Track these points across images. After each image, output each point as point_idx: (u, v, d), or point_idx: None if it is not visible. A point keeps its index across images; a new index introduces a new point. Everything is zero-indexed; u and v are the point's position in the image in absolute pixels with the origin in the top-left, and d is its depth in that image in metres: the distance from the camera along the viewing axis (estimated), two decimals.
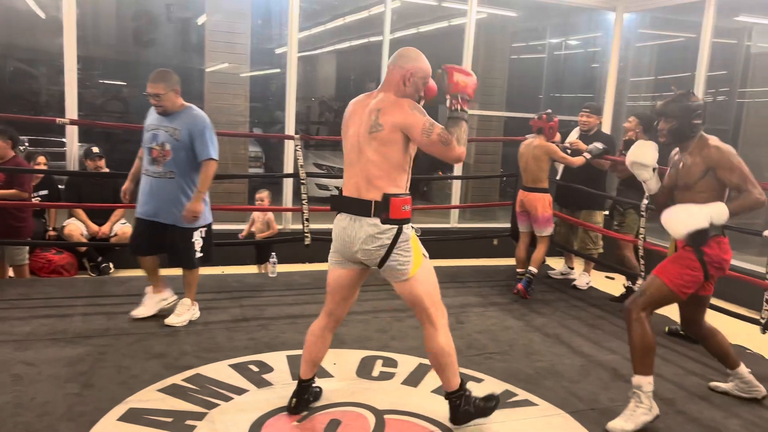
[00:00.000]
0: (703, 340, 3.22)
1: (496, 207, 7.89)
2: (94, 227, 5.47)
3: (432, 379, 3.25)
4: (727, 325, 3.27)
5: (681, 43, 8.52)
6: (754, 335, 4.06)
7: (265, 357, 3.45)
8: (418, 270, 2.57)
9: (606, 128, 6.95)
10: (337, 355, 3.44)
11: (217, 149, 3.75)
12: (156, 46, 8.53)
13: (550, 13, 8.84)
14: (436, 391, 3.14)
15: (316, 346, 2.77)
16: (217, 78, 6.71)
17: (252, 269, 5.68)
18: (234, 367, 3.29)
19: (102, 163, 5.46)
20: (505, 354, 3.73)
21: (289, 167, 6.23)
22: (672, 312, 3.79)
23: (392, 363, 3.47)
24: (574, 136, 5.44)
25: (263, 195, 5.54)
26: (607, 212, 5.50)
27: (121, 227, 5.55)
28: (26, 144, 5.74)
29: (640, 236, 4.69)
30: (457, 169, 7.15)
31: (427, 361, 3.44)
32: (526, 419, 2.91)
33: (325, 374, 3.21)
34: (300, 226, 5.26)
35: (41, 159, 5.33)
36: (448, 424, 2.79)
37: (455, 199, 7.13)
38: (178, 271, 3.94)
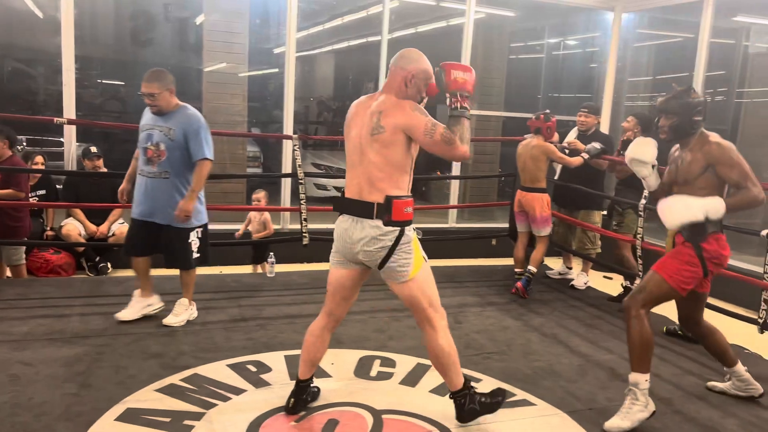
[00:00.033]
0: (701, 338, 3.22)
1: (494, 207, 7.89)
2: (92, 227, 5.47)
3: (430, 379, 3.25)
4: (726, 324, 3.28)
5: (679, 43, 8.52)
6: (753, 335, 4.07)
7: (263, 357, 3.44)
8: (418, 272, 2.57)
9: (604, 128, 6.96)
10: (335, 355, 3.44)
11: (212, 149, 3.74)
12: (154, 46, 8.52)
13: (548, 13, 8.84)
14: (434, 390, 3.14)
15: (315, 346, 2.77)
16: (215, 78, 6.71)
17: (250, 269, 5.68)
18: (232, 367, 3.29)
19: (100, 162, 5.45)
20: (503, 354, 3.74)
21: (287, 167, 6.23)
22: (670, 312, 3.79)
23: (390, 363, 3.47)
24: (572, 136, 5.44)
25: (260, 195, 5.54)
26: (605, 212, 5.51)
27: (119, 227, 5.55)
28: (24, 144, 5.72)
29: (638, 236, 4.69)
30: (456, 169, 7.15)
31: (425, 361, 3.45)
32: (524, 419, 2.91)
33: (323, 374, 3.21)
34: (298, 226, 5.26)
35: (39, 159, 5.33)
36: (446, 423, 2.79)
37: (453, 199, 7.13)
38: (175, 271, 3.94)
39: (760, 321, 3.98)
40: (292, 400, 2.81)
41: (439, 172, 8.49)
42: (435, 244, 5.90)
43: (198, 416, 2.75)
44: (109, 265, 5.53)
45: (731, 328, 3.33)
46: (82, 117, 6.74)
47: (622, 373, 3.44)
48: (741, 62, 7.88)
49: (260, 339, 3.72)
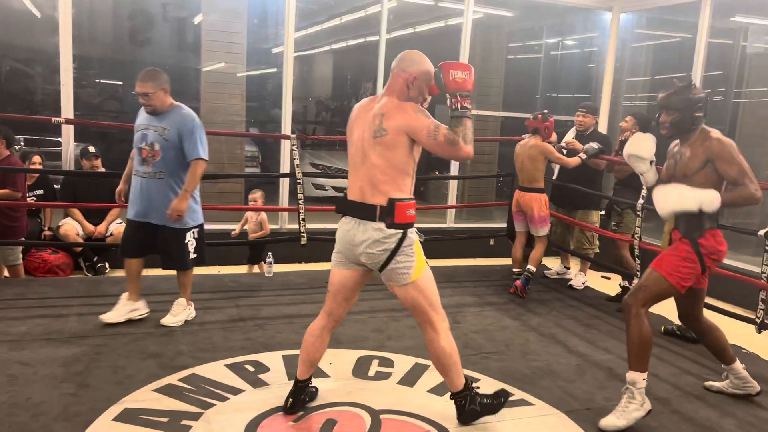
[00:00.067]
0: (701, 334, 3.23)
1: (492, 207, 7.90)
2: (90, 227, 5.46)
3: (428, 379, 3.26)
4: (724, 324, 3.28)
5: (677, 43, 8.53)
6: (750, 335, 4.08)
7: (261, 357, 3.44)
8: (420, 275, 2.58)
9: (602, 128, 6.97)
10: (333, 354, 3.44)
11: (207, 149, 3.71)
12: (152, 46, 8.51)
13: (546, 13, 8.85)
14: (432, 390, 3.14)
15: (314, 346, 2.77)
16: (214, 77, 6.71)
17: (246, 269, 5.67)
18: (230, 367, 3.29)
19: (98, 162, 5.44)
20: (502, 354, 3.74)
21: (285, 167, 6.23)
22: (668, 312, 3.80)
23: (388, 363, 3.47)
24: (570, 136, 5.45)
25: (257, 195, 5.54)
26: (603, 212, 5.51)
27: (116, 227, 5.54)
28: (22, 143, 5.72)
29: (636, 236, 4.69)
30: (454, 169, 7.16)
31: (423, 361, 3.46)
32: (522, 419, 2.92)
33: (321, 374, 3.21)
34: (296, 226, 5.26)
35: (36, 158, 5.31)
36: (445, 423, 2.79)
37: (452, 198, 7.13)
38: (172, 271, 3.93)
39: (758, 321, 3.99)
40: (290, 400, 2.81)
41: (437, 172, 8.50)
42: (433, 244, 5.87)
43: (196, 416, 2.74)
44: (107, 265, 5.52)
45: (729, 328, 3.34)
46: (80, 117, 6.73)
47: (620, 373, 3.44)
48: (739, 62, 7.89)
49: (258, 339, 3.72)
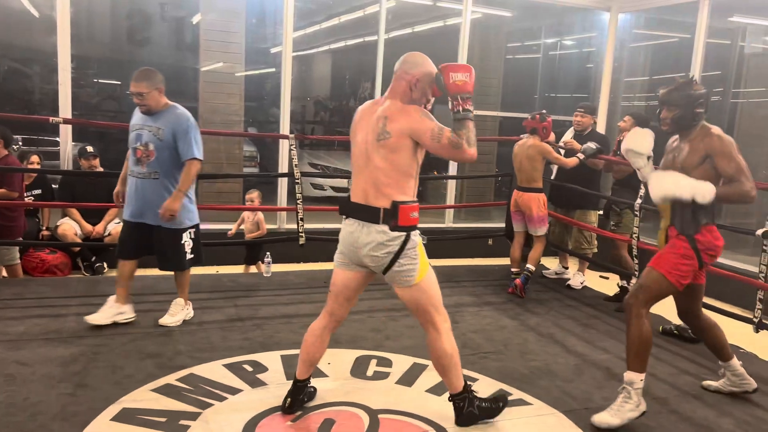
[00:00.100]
0: (700, 331, 3.23)
1: (491, 207, 7.90)
2: (88, 227, 5.45)
3: (426, 379, 3.26)
4: (721, 324, 3.28)
5: (675, 44, 8.54)
6: (748, 334, 4.08)
7: (260, 357, 3.44)
8: (423, 277, 2.59)
9: (601, 128, 6.97)
10: (331, 354, 3.43)
11: (201, 149, 3.70)
12: (150, 45, 8.50)
13: (545, 13, 8.86)
14: (430, 390, 3.14)
15: (315, 346, 2.77)
16: (212, 77, 6.70)
17: (243, 269, 5.67)
18: (228, 366, 3.29)
19: (96, 162, 5.44)
20: (500, 353, 3.74)
21: (283, 167, 6.23)
22: (666, 311, 3.80)
23: (387, 363, 3.47)
24: (568, 135, 5.45)
25: (253, 195, 5.53)
26: (601, 212, 5.52)
27: (115, 227, 5.53)
28: (20, 143, 5.71)
29: (634, 235, 4.70)
30: (452, 169, 7.16)
31: (421, 361, 3.46)
32: (520, 418, 2.92)
33: (320, 374, 3.21)
34: (295, 226, 5.26)
35: (34, 158, 5.31)
36: (443, 423, 2.79)
37: (450, 198, 7.13)
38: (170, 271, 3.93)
39: (755, 320, 3.99)
40: (289, 399, 2.81)
41: (436, 172, 8.50)
42: (432, 243, 5.85)
43: (194, 416, 2.74)
44: (105, 264, 5.52)
45: (727, 328, 3.34)
46: (78, 116, 6.72)
47: (618, 373, 3.44)
48: (737, 62, 7.90)
49: (257, 339, 3.72)
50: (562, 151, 5.29)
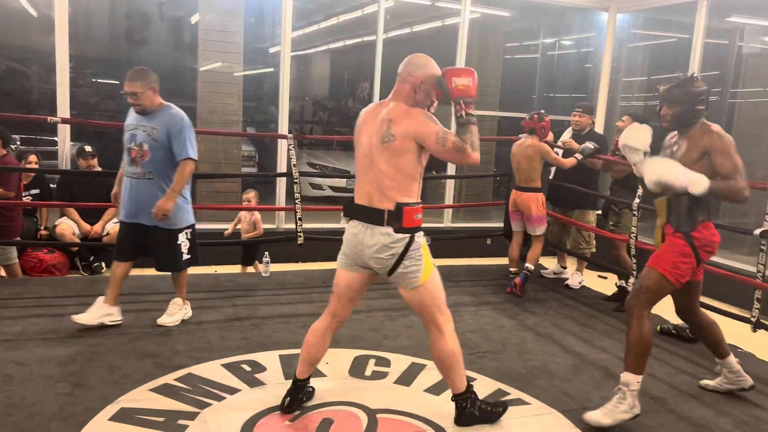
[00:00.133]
0: (698, 328, 3.23)
1: (489, 206, 7.90)
2: (86, 226, 5.45)
3: (424, 378, 3.26)
4: (719, 323, 3.28)
5: (673, 44, 8.55)
6: (745, 334, 4.09)
7: (258, 356, 3.44)
8: (428, 277, 2.59)
9: (599, 128, 6.98)
10: (329, 354, 3.40)
11: (196, 149, 3.67)
12: (149, 45, 8.50)
13: (543, 13, 8.86)
14: (428, 390, 3.15)
15: (316, 346, 2.77)
16: (211, 77, 6.70)
17: (239, 269, 5.66)
18: (226, 366, 3.29)
19: (94, 162, 5.43)
20: (498, 353, 3.74)
21: (282, 166, 6.23)
22: (664, 311, 3.80)
23: (385, 362, 3.47)
24: (567, 135, 5.46)
25: (250, 195, 5.53)
26: (599, 212, 5.52)
27: (113, 226, 5.52)
28: (18, 143, 5.70)
29: (632, 235, 4.70)
30: (451, 169, 7.16)
31: (419, 360, 3.46)
32: (518, 418, 2.92)
33: (318, 373, 3.20)
34: (293, 226, 5.26)
35: (32, 158, 5.30)
36: (441, 422, 2.80)
37: (449, 198, 7.14)
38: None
39: (753, 320, 4.00)
40: (288, 399, 2.81)
41: (434, 172, 8.50)
42: (430, 243, 5.91)
43: (192, 416, 2.74)
44: (103, 264, 5.51)
45: (725, 327, 3.35)
46: (77, 116, 6.72)
47: (616, 373, 3.44)
48: (735, 62, 7.91)
49: (255, 338, 3.72)
50: (560, 151, 5.29)
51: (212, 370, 3.23)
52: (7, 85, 8.81)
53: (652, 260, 2.97)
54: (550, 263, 5.98)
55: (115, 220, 5.58)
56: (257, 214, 5.59)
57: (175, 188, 3.59)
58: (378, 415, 2.85)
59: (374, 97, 6.67)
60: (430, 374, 3.33)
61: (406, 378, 3.28)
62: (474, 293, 4.98)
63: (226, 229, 5.64)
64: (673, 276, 2.89)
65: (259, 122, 9.91)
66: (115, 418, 2.69)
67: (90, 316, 3.65)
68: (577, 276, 5.47)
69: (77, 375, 3.07)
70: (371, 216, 2.54)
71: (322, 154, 9.14)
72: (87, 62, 9.12)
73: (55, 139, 5.78)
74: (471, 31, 6.85)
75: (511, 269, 5.17)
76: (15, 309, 3.99)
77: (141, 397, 2.90)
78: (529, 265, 5.01)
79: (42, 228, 5.44)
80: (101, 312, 3.68)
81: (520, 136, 5.23)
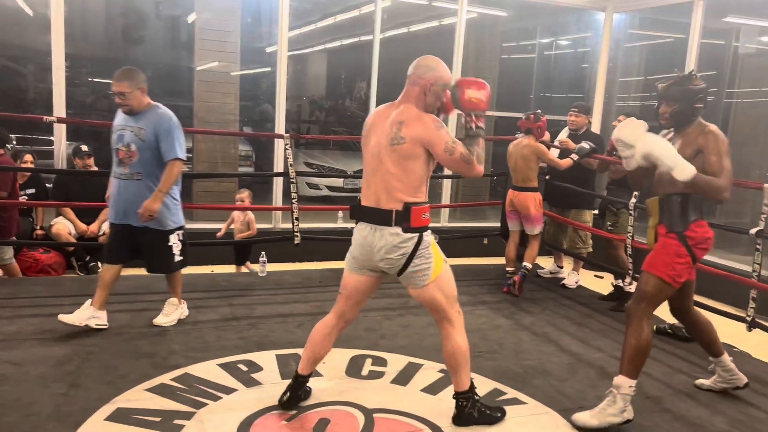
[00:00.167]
0: (692, 326, 3.24)
1: (486, 206, 7.91)
2: (83, 226, 5.43)
3: (421, 378, 3.26)
4: (714, 322, 3.29)
5: (670, 44, 8.57)
6: (741, 333, 4.10)
7: (255, 356, 3.44)
8: (438, 274, 2.61)
9: (596, 128, 6.99)
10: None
11: (184, 149, 3.63)
12: (145, 44, 8.49)
13: (540, 13, 8.87)
14: (425, 389, 3.15)
15: (322, 344, 2.79)
16: (207, 76, 6.68)
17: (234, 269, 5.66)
18: (223, 366, 3.28)
19: (91, 161, 5.42)
20: (494, 353, 3.75)
21: (279, 166, 6.22)
22: (661, 311, 3.81)
23: (382, 362, 3.47)
24: (563, 135, 5.47)
25: (243, 195, 5.53)
26: (596, 211, 5.53)
27: (109, 226, 5.51)
28: (14, 142, 5.68)
29: (628, 234, 4.71)
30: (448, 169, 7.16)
31: (416, 360, 3.47)
32: (514, 417, 2.92)
33: (315, 373, 3.17)
34: (290, 225, 5.25)
35: (28, 157, 5.28)
36: (437, 421, 2.80)
37: (445, 198, 7.14)
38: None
39: (748, 319, 4.01)
40: (288, 394, 2.83)
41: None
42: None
43: (188, 416, 2.74)
44: (99, 264, 5.49)
45: (720, 326, 3.36)
46: (73, 115, 6.70)
47: (611, 372, 3.44)
48: (731, 63, 7.94)
49: (252, 338, 3.71)
50: (557, 151, 5.30)
51: (209, 369, 3.23)
52: (3, 85, 8.78)
53: (648, 264, 2.96)
54: (546, 263, 5.99)
55: None
56: (250, 214, 5.58)
57: (162, 189, 3.54)
58: (375, 415, 2.85)
59: (371, 97, 6.67)
60: (427, 374, 3.33)
61: (403, 378, 3.28)
62: (470, 293, 4.99)
63: (221, 230, 5.63)
64: (671, 278, 2.89)
65: (256, 122, 9.90)
66: (111, 418, 2.68)
67: (76, 317, 3.58)
68: (574, 275, 5.48)
69: (73, 375, 3.07)
70: (379, 217, 2.56)
71: (319, 154, 9.13)
72: (83, 61, 9.10)
73: (51, 138, 5.77)
74: (468, 30, 6.85)
75: (507, 269, 5.17)
76: (10, 309, 3.98)
77: (137, 397, 2.89)
78: (527, 264, 5.02)
79: (38, 228, 5.43)
80: (88, 314, 3.61)
81: (516, 135, 5.24)
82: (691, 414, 3.10)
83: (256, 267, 5.31)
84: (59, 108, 5.43)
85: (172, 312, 3.87)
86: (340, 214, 6.32)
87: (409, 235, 2.53)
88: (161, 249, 3.69)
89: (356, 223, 2.67)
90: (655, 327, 4.25)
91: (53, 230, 5.32)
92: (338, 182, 8.46)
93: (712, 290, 4.90)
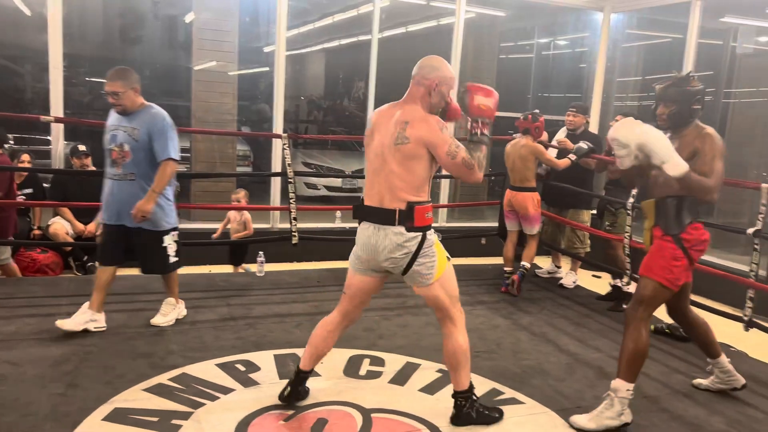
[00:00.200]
0: (689, 327, 3.24)
1: (484, 206, 7.91)
2: (80, 226, 5.42)
3: (419, 378, 3.26)
4: (712, 322, 3.30)
5: (667, 44, 8.59)
6: (739, 333, 4.10)
7: (252, 356, 3.44)
8: (442, 273, 2.62)
9: (593, 128, 7.00)
10: None
11: (178, 149, 3.60)
12: (143, 44, 8.48)
13: (538, 13, 8.88)
14: (423, 389, 3.15)
15: (326, 341, 2.81)
16: (205, 76, 6.68)
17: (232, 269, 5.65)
18: (221, 366, 3.28)
19: (88, 161, 5.41)
20: (492, 353, 3.75)
21: (277, 166, 6.22)
22: (659, 311, 3.81)
23: (379, 362, 3.47)
24: (561, 135, 5.47)
25: (240, 195, 5.52)
26: (594, 211, 5.53)
27: None
28: (11, 142, 5.68)
29: (626, 234, 4.72)
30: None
31: (414, 360, 3.47)
32: (512, 417, 2.92)
33: (313, 373, 3.20)
34: (288, 225, 5.25)
35: (25, 157, 5.27)
36: (435, 421, 2.80)
37: (444, 198, 7.15)
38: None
39: (746, 319, 4.02)
40: (289, 388, 2.84)
41: None
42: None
43: (186, 416, 2.74)
44: (96, 264, 5.47)
45: (717, 326, 3.37)
46: (70, 115, 6.69)
47: (609, 372, 3.46)
48: (728, 63, 7.95)
49: (249, 338, 3.71)
50: (555, 151, 5.30)
51: (206, 369, 3.22)
52: (1, 84, 8.77)
53: (645, 268, 2.95)
54: (544, 263, 5.99)
55: None
56: (247, 214, 5.58)
57: (156, 189, 3.51)
58: (372, 415, 2.85)
59: (369, 97, 6.67)
60: (425, 374, 3.33)
61: (401, 377, 3.28)
62: (468, 293, 4.99)
63: (216, 231, 5.61)
64: (669, 282, 2.88)
65: (254, 122, 9.90)
66: (108, 418, 2.68)
67: (74, 322, 3.57)
68: (572, 275, 5.49)
69: (70, 375, 3.06)
70: (383, 217, 2.56)
71: (317, 154, 9.13)
72: (81, 61, 9.09)
73: (49, 138, 5.76)
74: (466, 30, 6.86)
75: (505, 269, 5.17)
76: (8, 309, 3.97)
77: (135, 397, 2.89)
78: (526, 264, 5.03)
79: (35, 228, 5.41)
80: (85, 318, 3.60)
81: (514, 135, 5.24)
82: (689, 414, 3.10)
83: (251, 267, 5.30)
84: (57, 108, 5.42)
85: (170, 312, 3.86)
86: (339, 214, 6.33)
87: (412, 234, 2.54)
88: (156, 250, 3.67)
89: (359, 223, 2.67)
90: (653, 327, 4.26)
91: (50, 230, 5.32)
92: (336, 182, 8.47)
93: (709, 290, 4.90)
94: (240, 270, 5.57)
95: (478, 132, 2.55)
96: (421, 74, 2.58)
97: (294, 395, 2.85)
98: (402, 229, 2.54)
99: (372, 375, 3.30)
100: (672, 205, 2.89)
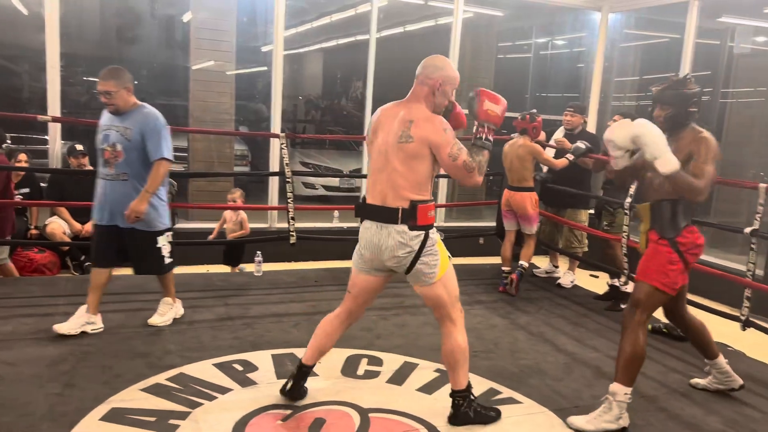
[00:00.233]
0: (686, 329, 3.24)
1: (482, 206, 7.92)
2: (77, 225, 5.41)
3: (417, 378, 3.26)
4: (709, 322, 3.30)
5: (665, 44, 8.59)
6: (736, 333, 4.11)
7: (250, 356, 3.43)
8: (444, 272, 2.63)
9: (591, 127, 7.00)
10: None
11: (171, 149, 3.58)
12: (140, 43, 8.46)
13: (536, 13, 8.89)
14: (420, 389, 3.15)
15: (330, 337, 2.83)
16: (203, 76, 6.67)
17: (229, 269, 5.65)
18: (218, 366, 3.28)
19: (86, 160, 5.40)
20: (490, 352, 3.75)
21: (275, 165, 6.21)
22: (657, 310, 3.82)
23: (377, 361, 3.47)
24: (559, 134, 5.47)
25: (235, 195, 5.52)
26: (592, 211, 5.54)
27: None
28: (8, 141, 5.67)
29: (624, 234, 4.72)
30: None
31: (412, 360, 3.47)
32: (510, 417, 2.93)
33: (311, 373, 3.20)
34: (285, 225, 5.25)
35: (22, 156, 5.26)
36: (433, 421, 2.80)
37: (442, 197, 7.15)
38: None
39: (743, 318, 4.02)
40: (291, 383, 2.85)
41: None
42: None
43: (183, 415, 2.73)
44: (91, 265, 5.47)
45: (714, 326, 3.37)
46: (67, 114, 6.67)
47: (607, 371, 3.46)
48: (726, 63, 7.96)
49: (247, 338, 3.71)
50: (553, 151, 5.31)
51: (204, 369, 3.22)
52: None
53: (641, 273, 2.95)
54: (542, 262, 5.99)
55: None
56: (243, 214, 5.57)
57: (149, 189, 3.49)
58: (370, 415, 2.85)
59: (367, 97, 6.67)
60: (423, 373, 3.34)
61: (399, 377, 3.28)
62: (466, 292, 4.98)
63: (213, 232, 5.61)
64: (665, 286, 2.88)
65: (252, 121, 9.89)
66: (106, 418, 2.68)
67: (71, 326, 3.56)
68: (569, 275, 5.49)
69: (68, 375, 3.06)
70: (385, 215, 2.57)
71: (315, 154, 9.13)
72: (78, 60, 9.06)
73: (46, 137, 5.75)
74: (464, 30, 6.86)
75: (503, 268, 5.18)
76: (5, 309, 3.96)
77: (132, 396, 2.88)
78: (524, 263, 5.03)
79: (32, 227, 5.40)
80: (82, 320, 3.59)
81: (512, 135, 5.24)
82: (686, 413, 3.11)
83: (247, 267, 5.30)
84: (54, 107, 5.41)
85: (167, 312, 3.86)
86: (336, 213, 6.33)
87: (415, 233, 2.55)
88: (149, 251, 3.65)
89: (361, 222, 2.67)
90: (650, 327, 4.26)
91: (48, 230, 5.31)
92: (334, 182, 8.46)
93: (707, 289, 4.91)
94: (236, 271, 5.57)
95: (483, 136, 2.56)
96: (425, 74, 2.59)
97: (296, 389, 2.86)
98: (405, 227, 2.54)
99: (370, 375, 3.30)
100: (667, 209, 2.89)
